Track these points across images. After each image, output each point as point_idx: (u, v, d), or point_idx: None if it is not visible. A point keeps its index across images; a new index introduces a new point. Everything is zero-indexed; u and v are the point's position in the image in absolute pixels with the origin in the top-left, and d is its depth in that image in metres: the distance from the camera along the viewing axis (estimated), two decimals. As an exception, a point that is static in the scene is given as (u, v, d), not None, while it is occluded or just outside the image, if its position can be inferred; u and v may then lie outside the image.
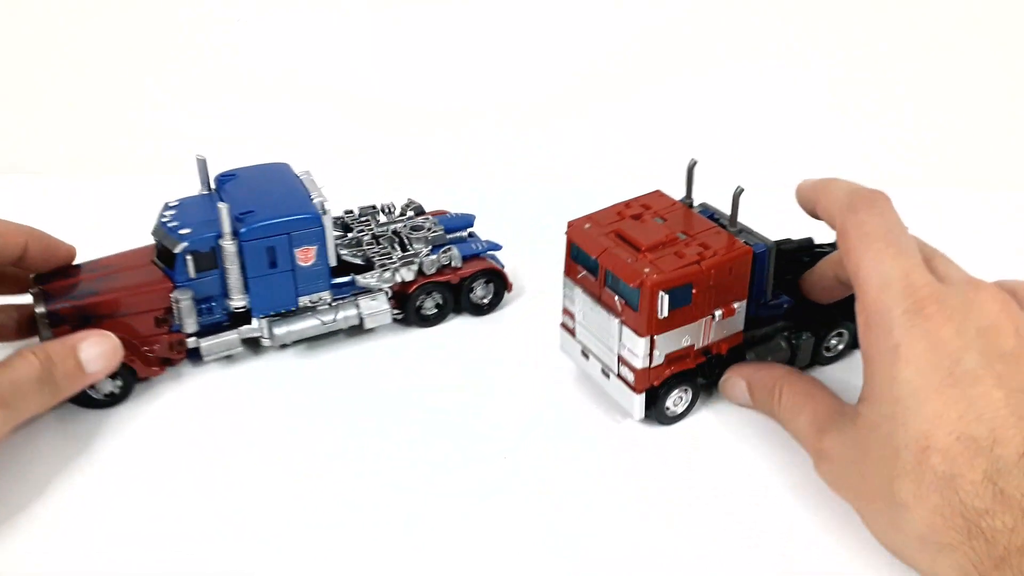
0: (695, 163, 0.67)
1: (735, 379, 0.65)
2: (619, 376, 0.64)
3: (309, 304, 0.72)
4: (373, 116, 1.02)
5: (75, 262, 0.70)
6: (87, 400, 0.67)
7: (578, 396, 0.68)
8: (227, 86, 0.99)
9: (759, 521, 0.58)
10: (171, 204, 0.71)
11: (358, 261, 0.75)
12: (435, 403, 0.68)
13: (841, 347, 0.71)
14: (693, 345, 0.64)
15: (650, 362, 0.62)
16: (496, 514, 0.59)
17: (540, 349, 0.72)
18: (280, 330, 0.71)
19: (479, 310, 0.78)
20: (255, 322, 0.71)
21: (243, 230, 0.67)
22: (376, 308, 0.73)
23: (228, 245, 0.67)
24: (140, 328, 0.68)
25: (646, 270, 0.59)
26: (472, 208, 0.82)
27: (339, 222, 0.78)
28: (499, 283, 0.78)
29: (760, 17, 1.03)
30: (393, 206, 0.80)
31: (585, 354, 0.67)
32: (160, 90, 0.98)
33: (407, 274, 0.74)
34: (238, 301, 0.69)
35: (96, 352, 0.62)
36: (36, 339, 0.67)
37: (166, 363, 0.70)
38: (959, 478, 0.48)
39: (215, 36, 0.98)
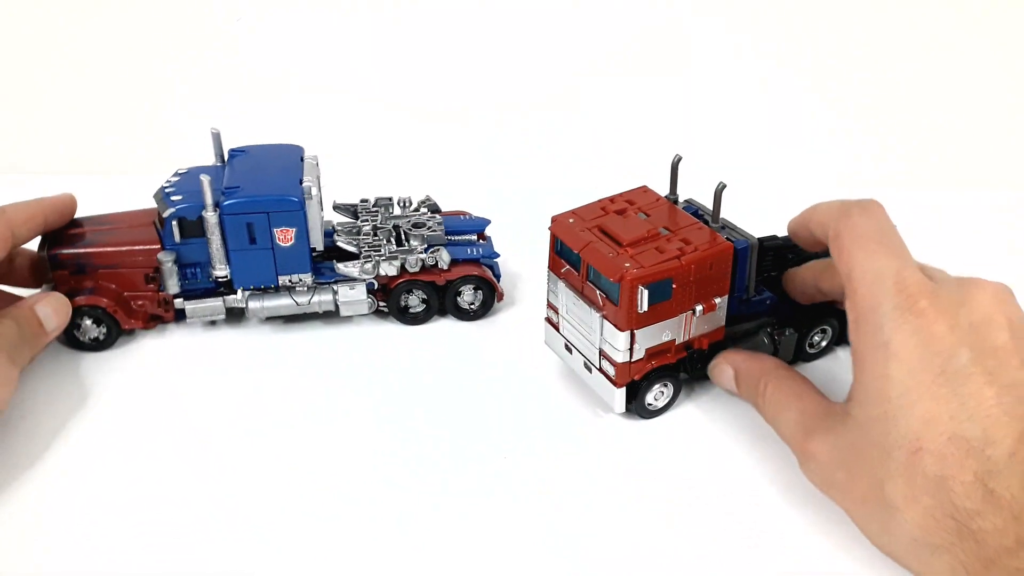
0: (679, 159, 0.67)
1: (723, 366, 0.65)
2: (600, 370, 0.65)
3: (289, 284, 0.74)
4: (384, 113, 1.03)
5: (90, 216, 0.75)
6: (77, 343, 0.73)
7: (577, 396, 0.68)
8: (227, 86, 1.01)
9: (759, 521, 0.58)
10: (180, 171, 0.75)
11: (352, 249, 0.76)
12: (422, 400, 0.68)
13: (824, 344, 0.71)
14: (674, 340, 0.64)
15: (631, 356, 0.63)
16: (494, 514, 0.59)
17: (531, 349, 0.72)
18: (255, 304, 0.74)
19: (464, 315, 0.76)
20: (239, 293, 0.74)
21: (224, 203, 0.70)
22: (353, 297, 0.74)
23: (210, 216, 0.70)
24: (130, 282, 0.73)
25: (626, 265, 0.60)
26: (489, 210, 0.81)
27: (349, 209, 0.80)
28: (488, 291, 0.76)
29: (758, 16, 1.00)
30: (410, 200, 0.80)
31: (568, 348, 0.68)
32: (161, 90, 1.01)
33: (389, 269, 0.74)
34: (220, 271, 0.72)
35: (49, 311, 0.68)
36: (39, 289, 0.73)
37: (155, 319, 0.75)
38: (950, 479, 0.48)
39: (220, 35, 1.00)
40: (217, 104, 0.99)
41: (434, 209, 0.80)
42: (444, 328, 0.76)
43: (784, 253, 0.69)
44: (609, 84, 1.02)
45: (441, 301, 0.76)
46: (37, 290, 0.74)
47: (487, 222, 0.80)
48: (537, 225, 0.77)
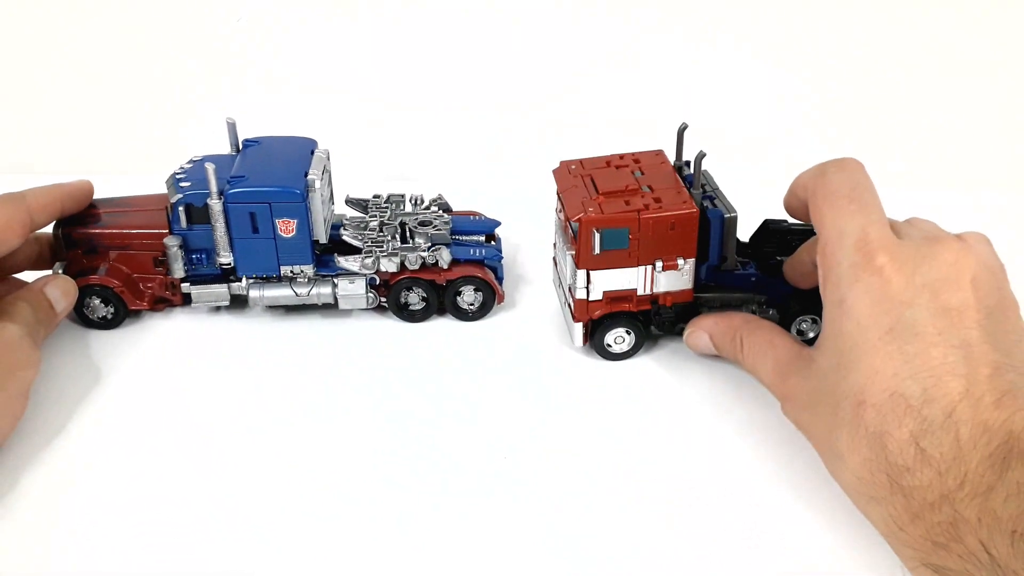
0: (685, 127, 0.71)
1: (698, 332, 0.68)
2: (568, 305, 0.71)
3: (291, 274, 0.75)
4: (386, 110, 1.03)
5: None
6: (87, 321, 0.75)
7: (577, 397, 0.68)
8: (252, 83, 1.02)
9: (759, 521, 0.58)
10: (194, 158, 0.77)
11: (356, 243, 0.76)
12: (422, 398, 0.68)
13: (812, 335, 0.71)
14: (635, 290, 0.68)
15: (587, 295, 0.68)
16: (494, 514, 0.59)
17: (532, 350, 0.73)
18: (255, 293, 0.75)
19: (463, 315, 0.76)
20: (244, 281, 0.75)
21: (228, 192, 0.71)
22: (352, 291, 0.75)
23: (214, 204, 0.71)
24: (140, 265, 0.75)
25: (590, 209, 0.65)
26: (502, 211, 0.81)
27: (361, 204, 0.80)
28: (488, 292, 0.76)
29: (758, 16, 0.99)
30: (422, 198, 0.81)
31: (557, 285, 0.75)
32: (161, 90, 1.01)
33: (389, 265, 0.74)
34: (224, 258, 0.74)
35: (58, 293, 0.70)
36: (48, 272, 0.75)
37: (163, 302, 0.77)
38: (887, 435, 0.50)
39: (246, 32, 1.00)
40: (242, 101, 1.01)
41: (445, 208, 0.80)
42: (444, 326, 0.76)
43: (790, 240, 0.70)
44: (628, 88, 1.01)
45: (440, 300, 0.76)
46: (44, 272, 0.76)
47: (497, 223, 0.80)
48: (547, 229, 0.77)
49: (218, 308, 0.77)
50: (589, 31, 1.00)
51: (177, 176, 0.74)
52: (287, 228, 0.73)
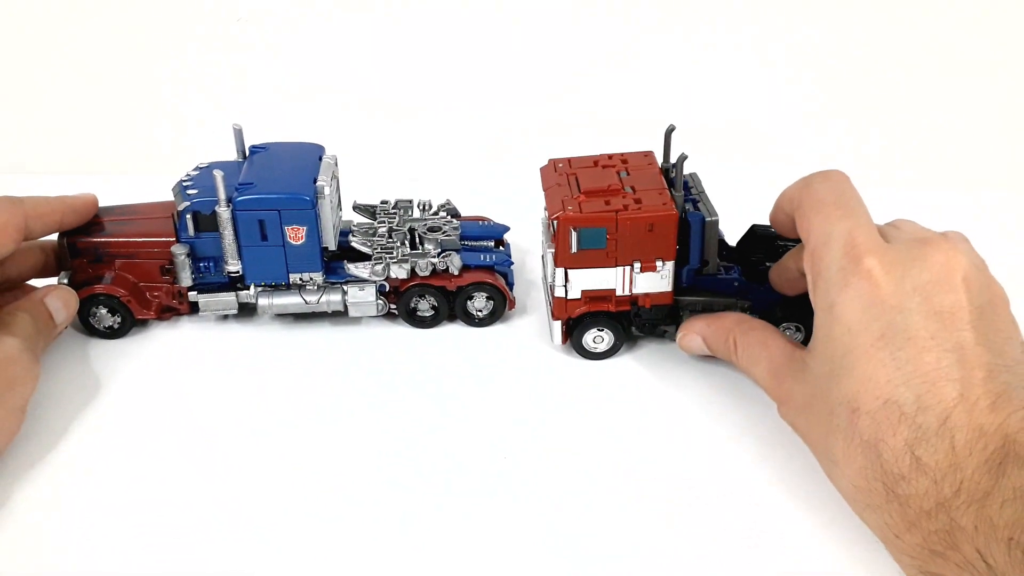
0: (673, 128, 0.70)
1: (691, 335, 0.68)
2: (549, 303, 0.71)
3: (300, 282, 0.74)
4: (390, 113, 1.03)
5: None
6: (92, 330, 0.74)
7: (578, 399, 0.68)
8: (259, 88, 1.01)
9: (759, 521, 0.58)
10: (200, 165, 0.76)
11: (365, 250, 0.75)
12: (427, 402, 0.68)
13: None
14: (614, 290, 0.68)
15: (566, 293, 0.68)
16: (495, 514, 0.59)
17: (537, 356, 0.73)
18: (264, 301, 0.74)
19: (473, 321, 0.76)
20: (252, 289, 0.74)
21: (237, 199, 0.71)
22: (362, 298, 0.74)
23: (222, 211, 0.71)
24: (146, 273, 0.74)
25: (569, 207, 0.65)
26: (510, 217, 0.81)
27: (369, 210, 0.80)
28: (499, 298, 0.75)
29: (758, 16, 0.99)
30: (430, 204, 0.80)
31: (544, 282, 0.75)
32: (162, 91, 1.01)
33: (400, 272, 0.74)
34: (232, 266, 0.73)
35: (59, 304, 0.69)
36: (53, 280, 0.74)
37: (170, 311, 0.76)
38: (882, 444, 0.49)
39: (260, 36, 1.00)
40: (249, 105, 1.00)
41: (453, 214, 0.80)
42: (453, 332, 0.76)
43: (778, 245, 0.69)
44: (632, 89, 1.01)
45: (451, 306, 0.75)
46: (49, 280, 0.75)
47: (506, 229, 0.79)
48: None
49: (226, 317, 0.77)
50: (593, 32, 1.00)
51: (184, 183, 0.73)
52: (296, 235, 0.72)
